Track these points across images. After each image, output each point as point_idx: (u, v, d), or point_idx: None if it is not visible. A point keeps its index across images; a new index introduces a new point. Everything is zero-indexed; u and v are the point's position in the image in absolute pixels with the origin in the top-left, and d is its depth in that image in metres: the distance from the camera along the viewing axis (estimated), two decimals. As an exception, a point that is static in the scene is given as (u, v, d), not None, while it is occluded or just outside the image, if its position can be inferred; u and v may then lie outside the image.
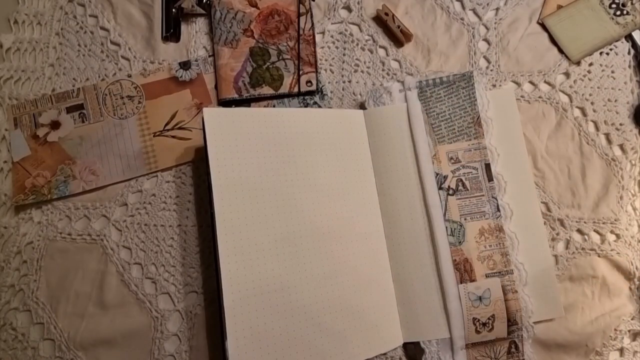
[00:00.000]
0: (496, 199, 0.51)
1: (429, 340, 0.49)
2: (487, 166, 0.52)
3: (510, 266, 0.50)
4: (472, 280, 0.49)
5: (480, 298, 0.49)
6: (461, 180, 0.52)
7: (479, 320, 0.49)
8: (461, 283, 0.49)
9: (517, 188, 0.53)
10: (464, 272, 0.50)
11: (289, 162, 0.50)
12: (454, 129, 0.53)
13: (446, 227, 0.51)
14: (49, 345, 0.51)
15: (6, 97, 0.57)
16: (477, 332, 0.49)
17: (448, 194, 0.51)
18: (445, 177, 0.52)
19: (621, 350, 0.51)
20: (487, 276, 0.50)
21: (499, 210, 0.51)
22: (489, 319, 0.49)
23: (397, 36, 0.59)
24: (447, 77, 0.54)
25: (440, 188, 0.52)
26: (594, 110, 0.57)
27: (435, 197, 0.51)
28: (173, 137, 0.56)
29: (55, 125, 0.56)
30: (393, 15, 0.59)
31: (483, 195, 0.51)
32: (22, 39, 0.59)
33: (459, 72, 0.55)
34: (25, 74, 0.58)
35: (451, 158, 0.52)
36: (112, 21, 0.60)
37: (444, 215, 0.51)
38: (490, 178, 0.52)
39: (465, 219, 0.51)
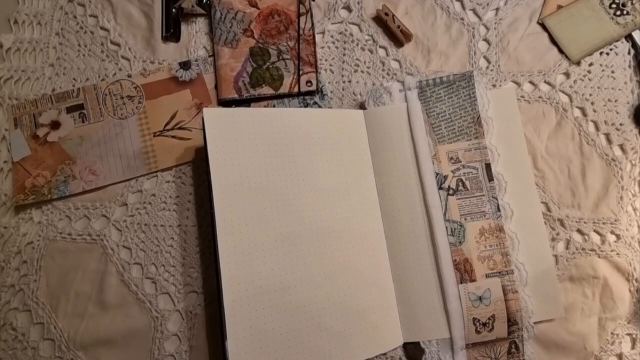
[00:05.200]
0: (496, 198, 0.51)
1: (429, 340, 0.49)
2: (488, 166, 0.52)
3: (510, 266, 0.50)
4: (472, 280, 0.49)
5: (480, 298, 0.49)
6: (461, 180, 0.52)
7: (479, 320, 0.49)
8: (461, 283, 0.49)
9: (518, 188, 0.53)
10: (464, 272, 0.50)
11: (289, 162, 0.50)
12: (454, 128, 0.53)
13: (446, 227, 0.51)
14: (49, 345, 0.51)
15: (6, 97, 0.57)
16: (477, 332, 0.49)
17: (448, 194, 0.51)
18: (446, 177, 0.52)
19: (620, 356, 0.51)
20: (487, 276, 0.50)
21: (499, 210, 0.51)
22: (489, 319, 0.49)
23: (397, 36, 0.59)
24: (447, 76, 0.54)
25: (440, 188, 0.52)
26: (594, 110, 0.57)
27: (435, 197, 0.51)
28: (173, 137, 0.56)
29: (55, 125, 0.56)
30: (393, 15, 0.59)
31: (483, 195, 0.51)
32: (22, 39, 0.59)
33: (459, 72, 0.55)
34: (25, 74, 0.58)
35: (451, 158, 0.52)
36: (112, 21, 0.60)
37: (444, 215, 0.51)
38: (490, 178, 0.52)
39: (465, 219, 0.51)
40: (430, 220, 0.51)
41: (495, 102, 0.55)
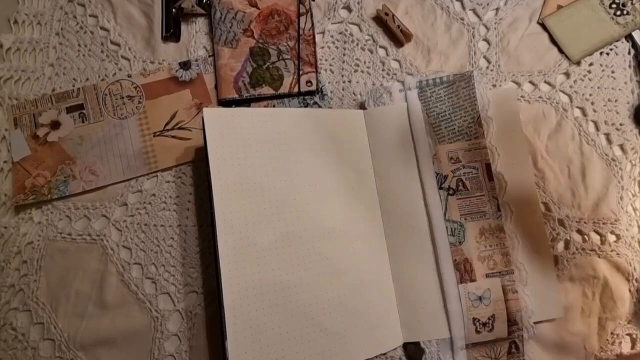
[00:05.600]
0: (496, 198, 0.51)
1: (429, 340, 0.49)
2: (488, 166, 0.52)
3: (510, 266, 0.50)
4: (472, 280, 0.49)
5: (480, 298, 0.49)
6: (461, 180, 0.52)
7: (479, 320, 0.49)
8: (461, 283, 0.49)
9: (518, 188, 0.53)
10: (464, 272, 0.50)
11: (289, 162, 0.50)
12: (454, 128, 0.53)
13: (446, 227, 0.51)
14: (49, 345, 0.51)
15: (6, 97, 0.57)
16: (477, 332, 0.49)
17: (448, 194, 0.51)
18: (446, 177, 0.52)
19: (620, 356, 0.51)
20: (487, 276, 0.50)
21: (499, 210, 0.51)
22: (489, 319, 0.49)
23: (397, 36, 0.59)
24: (447, 77, 0.54)
25: (440, 188, 0.52)
26: (594, 110, 0.57)
27: (436, 197, 0.51)
28: (173, 137, 0.56)
29: (55, 125, 0.56)
30: (393, 15, 0.59)
31: (483, 195, 0.51)
32: (22, 39, 0.59)
33: (459, 72, 0.55)
34: (25, 74, 0.58)
35: (451, 158, 0.52)
36: (112, 21, 0.60)
37: (444, 215, 0.51)
38: (490, 178, 0.51)
39: (465, 219, 0.51)
40: (430, 220, 0.51)
41: (495, 102, 0.55)
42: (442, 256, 0.50)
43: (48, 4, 0.61)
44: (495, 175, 0.52)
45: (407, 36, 0.59)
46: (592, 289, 0.53)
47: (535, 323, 0.50)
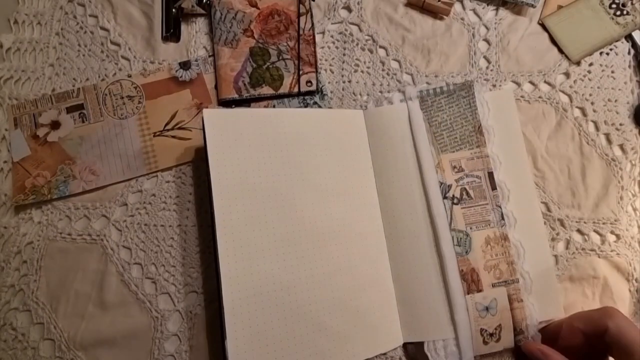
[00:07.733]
0: (500, 207, 0.51)
1: (437, 353, 0.48)
2: (490, 174, 0.51)
3: (516, 275, 0.49)
4: (479, 291, 0.49)
5: (487, 308, 0.48)
6: (465, 188, 0.51)
7: (486, 330, 0.48)
8: (468, 294, 0.49)
9: (519, 193, 0.52)
10: (471, 282, 0.49)
11: (288, 162, 0.50)
12: (456, 137, 0.52)
13: (452, 237, 0.50)
14: (49, 345, 0.51)
15: (6, 97, 0.57)
16: (485, 343, 0.48)
17: (453, 203, 0.51)
18: (450, 186, 0.51)
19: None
20: (493, 286, 0.49)
21: (503, 218, 0.50)
22: (495, 329, 0.48)
23: (437, 10, 0.58)
24: (448, 86, 0.54)
25: (445, 197, 0.51)
26: (594, 110, 0.57)
27: (440, 207, 0.51)
28: (173, 137, 0.56)
29: (55, 125, 0.56)
30: None
31: (487, 204, 0.51)
32: (22, 39, 0.59)
33: (458, 73, 0.55)
34: (25, 74, 0.58)
35: (454, 167, 0.52)
36: (112, 21, 0.60)
37: (450, 224, 0.50)
38: (493, 186, 0.51)
39: (470, 228, 0.50)
40: (435, 230, 0.50)
41: (494, 107, 0.54)
42: (449, 266, 0.49)
43: (48, 4, 0.61)
44: (498, 183, 0.51)
45: (449, 5, 0.59)
46: (592, 289, 0.53)
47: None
